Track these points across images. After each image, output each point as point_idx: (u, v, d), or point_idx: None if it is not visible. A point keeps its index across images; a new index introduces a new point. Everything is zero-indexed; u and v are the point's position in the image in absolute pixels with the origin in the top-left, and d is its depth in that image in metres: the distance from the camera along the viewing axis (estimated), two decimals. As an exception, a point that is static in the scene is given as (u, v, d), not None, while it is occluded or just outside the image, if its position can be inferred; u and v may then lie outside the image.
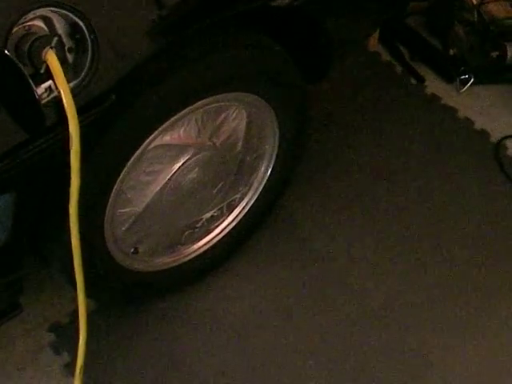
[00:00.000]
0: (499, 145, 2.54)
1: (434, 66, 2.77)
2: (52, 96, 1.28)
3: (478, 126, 2.60)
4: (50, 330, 2.08)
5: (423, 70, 2.77)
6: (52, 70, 1.27)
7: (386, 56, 2.83)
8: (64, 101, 1.29)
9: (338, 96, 2.67)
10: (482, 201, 2.40)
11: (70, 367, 2.00)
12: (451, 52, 2.74)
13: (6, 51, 1.19)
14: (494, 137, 2.56)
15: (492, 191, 2.43)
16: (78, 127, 1.32)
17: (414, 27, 2.86)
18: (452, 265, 2.22)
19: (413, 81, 2.75)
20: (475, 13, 2.68)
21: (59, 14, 1.29)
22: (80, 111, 1.32)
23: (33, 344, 2.06)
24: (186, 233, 1.99)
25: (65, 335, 2.06)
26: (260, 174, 2.05)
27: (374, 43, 2.83)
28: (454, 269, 2.21)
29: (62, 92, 1.28)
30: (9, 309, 1.81)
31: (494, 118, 2.62)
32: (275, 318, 2.10)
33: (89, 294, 1.65)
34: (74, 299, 2.04)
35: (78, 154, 1.37)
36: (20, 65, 1.19)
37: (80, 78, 1.36)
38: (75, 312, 2.01)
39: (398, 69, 2.78)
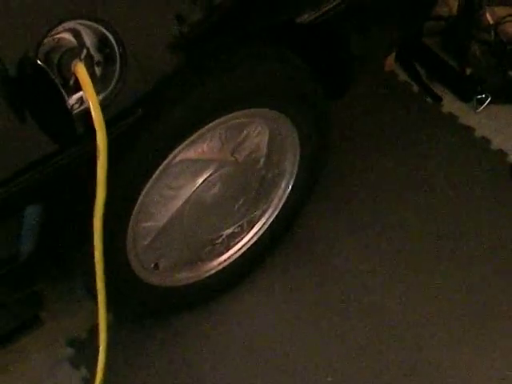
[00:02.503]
0: (517, 164, 2.53)
1: (451, 85, 2.77)
2: (82, 107, 1.29)
3: (494, 145, 2.60)
4: (68, 345, 2.08)
5: (440, 90, 2.76)
6: (81, 82, 1.27)
7: (402, 76, 2.83)
8: (93, 113, 1.30)
9: (355, 115, 2.67)
10: (498, 219, 2.39)
11: (88, 382, 2.00)
12: (468, 71, 2.74)
13: (39, 61, 1.20)
14: (511, 156, 2.56)
15: (509, 210, 2.42)
16: (105, 139, 1.33)
17: (430, 47, 2.86)
18: (464, 282, 2.23)
19: (430, 100, 2.75)
20: (492, 33, 2.69)
21: (88, 27, 1.30)
22: (108, 124, 1.33)
23: (50, 358, 2.06)
24: (207, 249, 1.99)
25: (83, 350, 2.06)
26: (280, 190, 2.06)
27: (390, 63, 2.84)
28: (467, 285, 2.22)
29: (90, 104, 1.29)
30: (29, 322, 1.81)
31: (510, 137, 2.62)
32: (291, 333, 2.10)
33: (107, 307, 1.64)
34: (93, 313, 2.07)
35: (105, 166, 1.37)
36: (52, 75, 1.19)
37: (108, 91, 1.37)
38: (94, 327, 2.04)
39: (415, 88, 2.79)
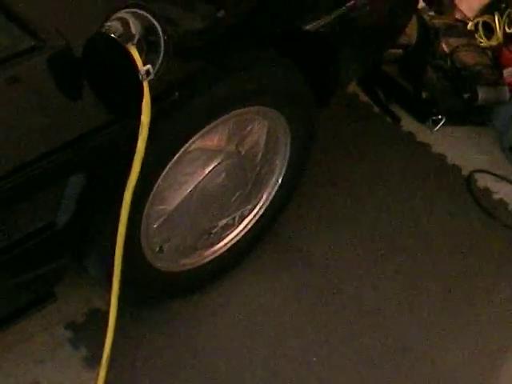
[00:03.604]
0: (470, 177, 2.79)
1: (408, 107, 3.03)
2: (148, 79, 1.43)
3: (450, 160, 2.86)
4: (66, 328, 2.18)
5: (398, 111, 3.02)
6: (136, 62, 1.43)
7: (363, 97, 3.07)
8: (144, 92, 1.46)
9: (322, 129, 2.88)
10: (456, 224, 2.64)
11: (89, 361, 2.11)
12: (424, 95, 3.00)
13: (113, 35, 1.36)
14: (465, 170, 2.82)
15: (464, 218, 2.67)
16: (149, 115, 1.49)
17: (388, 72, 3.12)
18: (433, 276, 2.46)
19: (389, 120, 2.99)
20: (448, 60, 2.96)
21: (135, 16, 1.45)
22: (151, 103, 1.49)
23: (51, 339, 2.15)
24: (204, 237, 2.16)
25: (82, 332, 2.16)
26: (270, 186, 2.24)
27: (352, 84, 3.07)
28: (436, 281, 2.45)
29: (143, 83, 1.45)
30: (43, 297, 1.91)
31: (464, 154, 2.89)
32: (278, 318, 2.27)
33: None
34: (89, 297, 2.20)
35: (145, 142, 1.53)
36: (127, 47, 1.36)
37: (151, 76, 1.53)
38: (92, 310, 2.17)
39: (376, 109, 3.03)
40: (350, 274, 2.41)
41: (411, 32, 3.05)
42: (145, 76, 1.40)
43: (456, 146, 2.92)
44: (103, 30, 1.39)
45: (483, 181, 2.81)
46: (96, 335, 2.02)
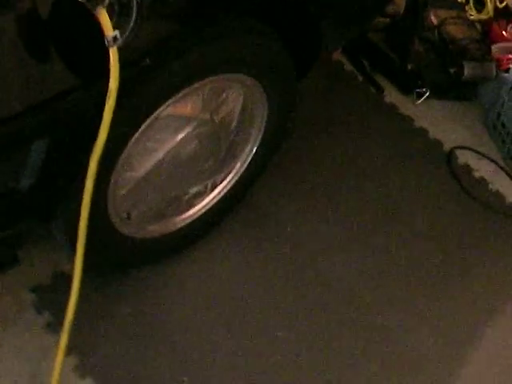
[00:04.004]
0: (451, 153, 2.74)
1: (392, 78, 2.97)
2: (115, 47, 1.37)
3: (431, 135, 2.81)
4: (31, 291, 2.14)
5: (382, 82, 2.96)
6: (103, 27, 1.37)
7: (348, 66, 3.01)
8: (111, 55, 1.40)
9: (304, 98, 2.82)
10: (434, 201, 2.60)
11: (51, 326, 2.07)
12: (409, 67, 2.94)
13: (79, -1, 1.30)
14: (446, 146, 2.77)
15: (443, 193, 2.63)
16: (117, 82, 1.43)
17: (375, 41, 3.06)
18: (406, 251, 2.44)
19: (373, 90, 2.93)
20: (436, 32, 2.90)
21: None
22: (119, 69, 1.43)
23: (14, 302, 2.11)
24: (174, 204, 2.11)
25: (46, 296, 2.12)
26: (244, 155, 2.19)
27: (336, 53, 3.01)
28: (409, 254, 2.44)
29: (110, 49, 1.39)
30: (6, 261, 1.87)
31: (446, 129, 2.84)
32: (247, 293, 2.24)
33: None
34: (57, 261, 2.16)
35: (112, 109, 1.47)
36: (95, 13, 1.30)
37: (122, 39, 1.47)
38: (58, 274, 2.13)
39: (360, 78, 2.97)
40: (322, 248, 2.37)
41: (400, 1, 2.99)
42: (112, 42, 1.33)
43: (439, 120, 2.87)
44: None
45: (464, 157, 2.77)
46: (61, 300, 1.95)
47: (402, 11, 2.97)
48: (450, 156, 2.74)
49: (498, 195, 2.67)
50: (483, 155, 2.78)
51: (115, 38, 1.34)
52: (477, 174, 2.73)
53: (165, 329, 2.13)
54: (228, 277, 2.25)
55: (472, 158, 2.77)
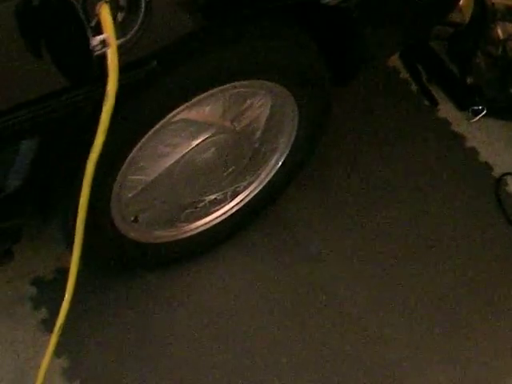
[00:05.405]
0: (500, 180, 2.55)
1: (450, 91, 2.78)
2: (100, 51, 1.26)
3: (482, 157, 2.61)
4: (32, 284, 2.06)
5: (438, 94, 2.76)
6: (103, 24, 1.24)
7: (403, 73, 2.82)
8: (109, 56, 1.27)
9: (351, 104, 2.66)
10: (475, 232, 2.41)
11: (46, 324, 2.00)
12: (468, 81, 2.74)
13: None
14: (496, 171, 2.57)
15: (486, 224, 2.44)
16: (116, 84, 1.31)
17: (435, 50, 2.86)
18: (435, 287, 2.26)
19: (426, 102, 2.74)
20: (500, 47, 2.69)
21: None
22: (121, 70, 1.30)
23: (12, 294, 2.04)
24: (187, 211, 1.98)
25: (46, 291, 2.05)
26: (269, 166, 2.05)
27: (394, 58, 2.83)
28: (437, 289, 2.25)
29: (108, 47, 1.26)
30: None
31: (498, 152, 2.63)
32: (256, 310, 2.11)
33: (81, 254, 1.62)
34: (61, 257, 2.06)
35: (110, 112, 1.35)
36: (81, 13, 1.17)
37: (126, 38, 1.33)
38: (60, 269, 2.03)
39: (414, 88, 2.78)
40: (342, 277, 2.23)
41: (466, 10, 2.77)
42: (98, 47, 1.20)
43: (492, 142, 2.66)
44: None
45: (514, 186, 2.57)
46: (60, 297, 1.86)
47: (467, 20, 2.76)
48: (498, 182, 2.54)
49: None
50: (535, 186, 2.57)
51: (103, 42, 1.21)
52: (525, 206, 2.52)
53: (162, 340, 2.03)
54: (235, 292, 2.13)
55: (524, 187, 2.57)
